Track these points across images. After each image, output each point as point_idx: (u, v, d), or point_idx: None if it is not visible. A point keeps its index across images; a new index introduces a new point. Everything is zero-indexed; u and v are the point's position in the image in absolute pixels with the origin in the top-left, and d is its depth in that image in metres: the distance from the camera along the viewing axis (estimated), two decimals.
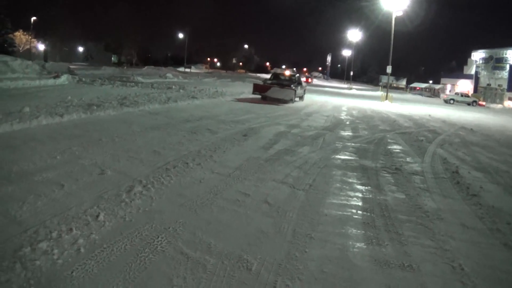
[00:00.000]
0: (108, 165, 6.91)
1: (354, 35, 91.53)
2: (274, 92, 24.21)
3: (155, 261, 3.81)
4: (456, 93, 64.93)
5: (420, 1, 61.58)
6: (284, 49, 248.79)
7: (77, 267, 3.58)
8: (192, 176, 6.72)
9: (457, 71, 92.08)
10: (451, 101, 57.99)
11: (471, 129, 19.40)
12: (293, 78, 27.69)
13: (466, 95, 62.17)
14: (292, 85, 25.53)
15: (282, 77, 27.80)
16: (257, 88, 25.54)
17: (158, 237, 4.33)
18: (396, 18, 39.51)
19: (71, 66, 42.73)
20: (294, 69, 31.71)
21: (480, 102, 61.47)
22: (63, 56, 78.06)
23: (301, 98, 28.40)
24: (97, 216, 4.67)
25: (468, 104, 57.48)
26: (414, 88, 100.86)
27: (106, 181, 6.06)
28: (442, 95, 70.38)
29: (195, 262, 3.85)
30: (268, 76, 41.32)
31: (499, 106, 60.72)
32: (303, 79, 47.50)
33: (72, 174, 6.30)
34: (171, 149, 8.63)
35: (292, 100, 24.73)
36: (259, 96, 24.96)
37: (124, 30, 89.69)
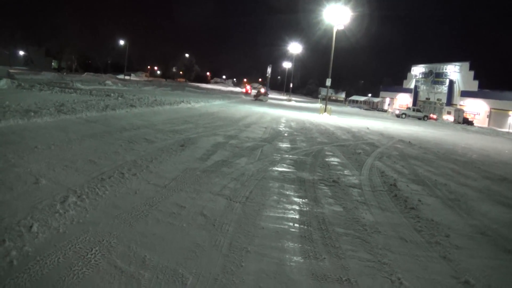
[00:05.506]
0: (43, 174, 6.81)
1: (295, 47, 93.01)
2: (262, 97, 60.54)
3: (89, 275, 3.78)
4: (408, 108, 67.39)
5: (361, 16, 63.61)
6: (225, 60, 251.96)
7: (9, 281, 3.55)
8: (128, 187, 6.71)
9: (396, 85, 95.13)
10: (403, 116, 60.11)
11: (409, 142, 20.09)
12: (266, 92, 68.76)
13: (418, 110, 64.65)
14: (267, 95, 65.71)
15: (261, 91, 65.85)
16: (255, 96, 62.18)
17: (92, 250, 4.28)
18: (337, 32, 40.50)
19: (11, 70, 41.24)
20: (263, 85, 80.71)
21: (432, 116, 63.76)
22: (3, 60, 74.98)
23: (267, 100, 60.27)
24: (31, 227, 4.61)
25: (419, 118, 59.60)
26: (353, 101, 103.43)
27: (40, 191, 5.98)
28: (394, 110, 72.81)
29: (129, 277, 3.84)
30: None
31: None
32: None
33: (6, 182, 6.18)
34: (107, 158, 8.57)
35: (267, 101, 58.57)
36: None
37: (66, 35, 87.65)
